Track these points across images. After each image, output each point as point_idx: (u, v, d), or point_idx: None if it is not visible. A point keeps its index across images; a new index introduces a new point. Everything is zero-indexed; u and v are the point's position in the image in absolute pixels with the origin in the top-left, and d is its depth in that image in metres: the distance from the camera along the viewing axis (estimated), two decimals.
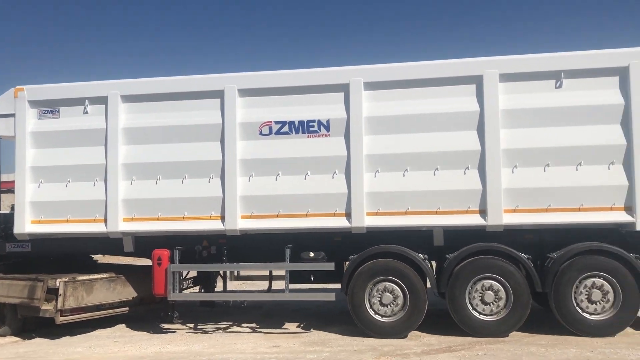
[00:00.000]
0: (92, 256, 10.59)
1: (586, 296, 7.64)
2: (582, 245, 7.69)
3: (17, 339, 8.90)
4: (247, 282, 11.51)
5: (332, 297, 8.26)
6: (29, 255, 9.53)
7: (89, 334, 8.95)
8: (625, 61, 7.64)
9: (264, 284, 9.60)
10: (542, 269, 7.95)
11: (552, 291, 7.71)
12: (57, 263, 9.58)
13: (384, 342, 7.74)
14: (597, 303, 7.61)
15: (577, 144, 7.72)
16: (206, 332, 8.73)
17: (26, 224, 8.95)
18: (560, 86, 7.83)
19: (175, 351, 7.64)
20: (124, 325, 9.45)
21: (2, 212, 10.06)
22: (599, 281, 7.61)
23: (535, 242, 8.15)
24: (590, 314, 7.64)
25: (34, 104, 9.05)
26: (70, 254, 9.60)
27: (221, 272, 9.56)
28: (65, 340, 8.61)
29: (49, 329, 8.96)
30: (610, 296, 7.58)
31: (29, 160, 8.99)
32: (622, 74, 7.67)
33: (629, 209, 7.59)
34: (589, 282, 7.63)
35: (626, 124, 7.62)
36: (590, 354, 6.86)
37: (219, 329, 8.96)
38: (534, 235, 8.16)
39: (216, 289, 9.82)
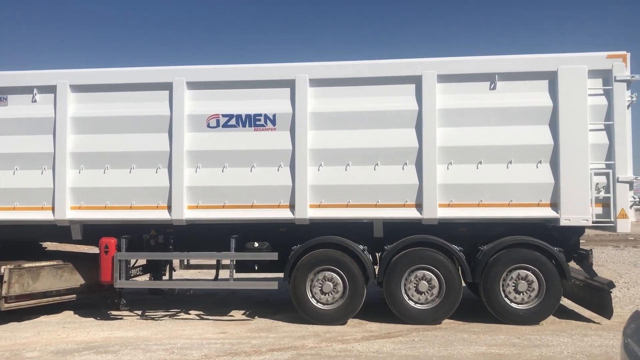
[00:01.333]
0: (42, 244, 10.64)
1: (513, 287, 8.11)
2: (509, 238, 8.16)
3: None
4: (202, 271, 11.76)
5: (275, 285, 8.56)
6: None
7: (36, 319, 9.05)
8: (555, 66, 8.10)
9: (214, 273, 9.84)
10: (474, 260, 8.41)
11: (481, 282, 8.17)
12: (3, 250, 9.62)
13: (326, 328, 8.07)
14: (523, 293, 8.10)
15: (508, 143, 8.16)
16: (155, 319, 8.93)
17: None
18: (494, 88, 8.26)
19: (124, 336, 7.82)
20: (72, 312, 9.57)
21: None
22: (524, 272, 8.10)
23: (470, 235, 8.60)
24: (517, 303, 8.12)
25: None
26: (18, 241, 9.64)
27: (166, 262, 9.74)
28: (13, 326, 8.69)
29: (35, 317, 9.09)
30: (535, 286, 8.07)
31: None
32: (552, 78, 8.14)
33: (554, 205, 8.08)
34: (515, 273, 8.11)
35: (554, 125, 8.10)
36: (517, 340, 7.30)
37: (167, 316, 9.17)
38: (468, 228, 8.61)
39: (164, 278, 10.01)
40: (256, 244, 8.65)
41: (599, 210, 8.05)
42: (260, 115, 8.57)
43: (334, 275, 8.34)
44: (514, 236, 8.19)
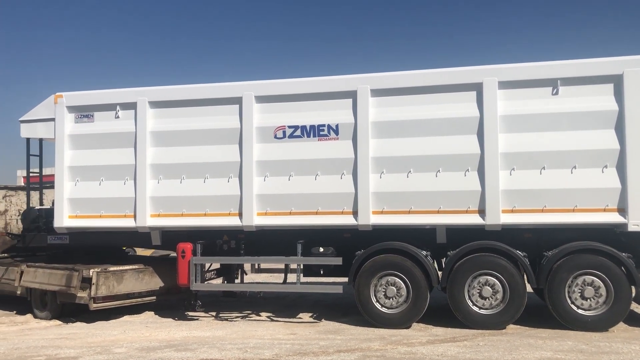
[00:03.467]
0: (124, 248, 11.46)
1: (579, 293, 8.02)
2: (574, 244, 8.08)
3: (60, 322, 9.78)
4: (273, 275, 12.25)
5: (339, 289, 8.86)
6: (67, 247, 10.45)
7: (122, 319, 9.79)
8: (620, 69, 7.98)
9: (283, 277, 10.24)
10: (539, 266, 8.38)
11: (546, 288, 8.14)
12: (92, 254, 10.48)
13: (392, 332, 8.23)
14: (590, 299, 7.99)
15: (572, 148, 8.10)
16: (229, 320, 9.43)
17: (64, 219, 9.86)
18: (556, 93, 8.22)
19: (201, 336, 8.27)
20: (153, 312, 10.26)
21: (44, 207, 11.01)
22: (590, 278, 7.98)
23: (535, 241, 8.55)
24: (584, 309, 8.02)
25: (71, 109, 9.93)
26: (103, 246, 10.45)
27: (238, 266, 10.27)
28: (102, 324, 9.43)
29: (88, 314, 9.79)
30: (603, 292, 7.94)
31: (67, 160, 9.88)
32: (617, 82, 8.01)
33: (621, 210, 7.94)
34: (581, 279, 8.02)
35: (620, 129, 7.97)
36: (585, 347, 7.18)
37: (240, 317, 9.64)
38: (533, 234, 8.58)
39: (237, 281, 10.54)
40: (321, 249, 8.99)
41: None
42: (324, 125, 8.92)
43: (397, 280, 8.54)
44: (579, 242, 8.09)
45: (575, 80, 8.17)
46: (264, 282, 11.07)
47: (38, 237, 10.58)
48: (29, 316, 10.26)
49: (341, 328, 8.62)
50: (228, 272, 10.53)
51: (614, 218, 7.97)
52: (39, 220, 10.58)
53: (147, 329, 8.93)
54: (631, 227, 7.86)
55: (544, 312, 8.81)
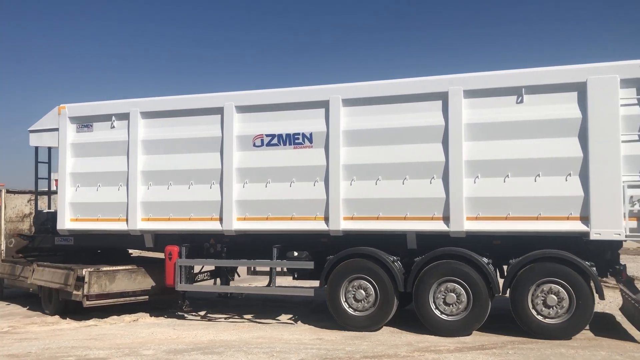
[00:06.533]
0: (129, 250, 12.14)
1: (542, 301, 8.02)
2: (538, 252, 8.07)
3: (91, 323, 10.03)
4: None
5: (311, 292, 9.19)
6: (72, 248, 11.22)
7: (151, 322, 10.07)
8: (583, 77, 7.94)
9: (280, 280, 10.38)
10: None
11: (510, 295, 8.17)
12: (99, 255, 11.20)
13: (420, 337, 8.21)
14: (553, 308, 7.96)
15: (536, 156, 8.12)
16: (255, 323, 9.56)
17: (66, 222, 10.62)
18: (521, 101, 8.26)
19: (227, 339, 8.40)
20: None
21: (51, 210, 11.82)
22: (553, 287, 7.97)
23: (504, 248, 8.57)
24: (546, 317, 8.00)
25: (73, 120, 10.69)
26: (104, 248, 11.16)
27: (229, 268, 10.69)
28: (132, 325, 9.76)
29: (119, 315, 10.27)
30: (565, 301, 7.91)
31: (69, 167, 10.64)
32: (581, 89, 7.97)
33: (584, 218, 7.89)
34: (544, 287, 8.00)
35: (583, 137, 7.92)
36: (619, 357, 6.93)
37: (266, 322, 9.74)
38: (503, 241, 8.60)
39: (232, 283, 10.94)
40: (295, 253, 9.34)
41: (634, 224, 7.74)
42: (299, 134, 9.27)
43: (367, 283, 8.78)
44: (543, 250, 8.08)
45: (539, 88, 8.18)
46: (244, 285, 11.17)
47: (46, 239, 11.41)
48: (58, 317, 10.58)
49: (367, 334, 8.54)
50: (222, 274, 10.96)
51: (577, 226, 7.93)
52: (47, 223, 11.39)
53: (175, 331, 9.13)
54: (593, 236, 7.80)
55: None
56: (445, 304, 8.38)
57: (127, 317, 10.25)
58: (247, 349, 7.60)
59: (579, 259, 7.87)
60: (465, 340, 7.98)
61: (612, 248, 8.18)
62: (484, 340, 7.97)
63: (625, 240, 7.98)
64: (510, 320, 8.36)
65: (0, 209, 12.67)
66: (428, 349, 7.50)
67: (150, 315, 10.50)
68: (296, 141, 9.30)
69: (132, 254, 12.26)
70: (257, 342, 8.07)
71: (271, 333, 8.78)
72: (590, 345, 7.58)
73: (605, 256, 8.19)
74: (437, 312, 8.42)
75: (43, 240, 11.50)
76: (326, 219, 9.05)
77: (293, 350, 7.52)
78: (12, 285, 12.56)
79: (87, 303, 9.90)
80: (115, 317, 10.29)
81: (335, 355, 7.20)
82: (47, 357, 7.44)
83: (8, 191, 13.07)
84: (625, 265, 8.18)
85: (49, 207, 12.18)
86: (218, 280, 10.70)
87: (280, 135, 9.38)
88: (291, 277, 9.88)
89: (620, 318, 9.29)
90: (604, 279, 8.88)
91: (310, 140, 9.21)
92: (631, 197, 7.74)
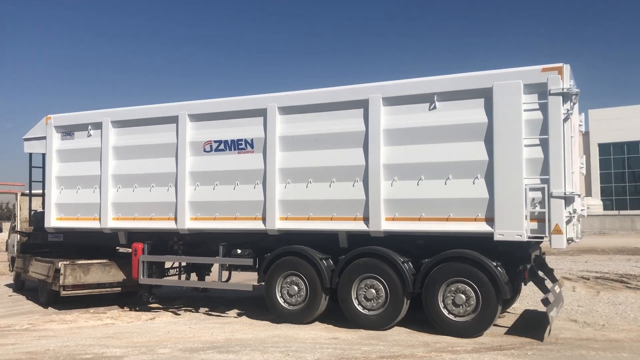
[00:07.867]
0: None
1: (452, 299, 8.36)
2: (448, 252, 8.40)
3: (108, 321, 10.29)
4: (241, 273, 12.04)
5: (249, 287, 9.93)
6: (62, 245, 12.45)
7: (168, 320, 10.27)
8: (490, 83, 8.21)
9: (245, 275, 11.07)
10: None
11: (423, 293, 8.56)
12: (86, 251, 12.34)
13: (436, 338, 8.22)
14: (461, 306, 8.28)
15: (446, 159, 8.47)
16: (273, 323, 9.56)
17: (52, 220, 11.86)
18: (434, 107, 8.61)
19: (243, 338, 8.44)
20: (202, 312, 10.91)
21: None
22: (462, 286, 8.29)
23: (424, 248, 8.92)
24: (455, 315, 8.33)
25: (58, 129, 11.90)
26: (87, 244, 12.30)
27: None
28: (149, 324, 9.98)
29: (137, 314, 10.79)
30: (472, 299, 8.22)
31: (55, 171, 11.86)
32: (487, 95, 8.24)
33: (489, 220, 8.17)
34: (454, 286, 8.34)
35: (489, 141, 8.20)
36: None
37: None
38: (425, 240, 8.98)
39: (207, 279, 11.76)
40: (239, 251, 10.08)
41: (534, 225, 7.95)
42: (242, 140, 10.01)
43: (299, 279, 9.40)
44: (452, 250, 8.40)
45: (450, 94, 8.51)
46: (196, 281, 11.39)
47: (41, 236, 12.70)
48: (76, 315, 10.89)
49: (384, 334, 8.58)
50: (197, 270, 11.81)
51: (483, 227, 8.22)
52: (41, 222, 12.66)
53: (191, 330, 9.22)
54: (497, 237, 8.06)
55: (595, 319, 8.94)
56: (367, 299, 8.87)
57: (144, 316, 10.68)
58: (262, 348, 7.64)
59: (485, 259, 8.15)
60: (483, 341, 8.00)
61: (521, 248, 8.39)
62: (502, 341, 7.98)
63: (529, 241, 8.13)
64: (533, 321, 8.47)
65: (15, 210, 14.15)
66: (445, 350, 7.49)
67: (167, 314, 10.84)
68: (239, 146, 10.03)
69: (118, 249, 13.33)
70: (273, 341, 8.11)
71: (287, 332, 8.82)
72: (611, 346, 7.54)
73: (515, 256, 8.41)
74: (359, 308, 8.91)
75: (38, 237, 12.81)
76: (264, 219, 9.73)
77: (309, 349, 7.56)
78: (25, 278, 13.98)
79: (63, 293, 11.04)
80: (132, 314, 10.86)
81: (352, 355, 7.21)
82: (65, 354, 7.55)
83: (23, 194, 14.60)
84: (526, 266, 8.35)
85: (43, 208, 13.47)
86: (183, 275, 11.54)
87: (226, 141, 10.14)
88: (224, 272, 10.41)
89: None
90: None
91: (252, 145, 9.92)
92: (532, 199, 7.96)
